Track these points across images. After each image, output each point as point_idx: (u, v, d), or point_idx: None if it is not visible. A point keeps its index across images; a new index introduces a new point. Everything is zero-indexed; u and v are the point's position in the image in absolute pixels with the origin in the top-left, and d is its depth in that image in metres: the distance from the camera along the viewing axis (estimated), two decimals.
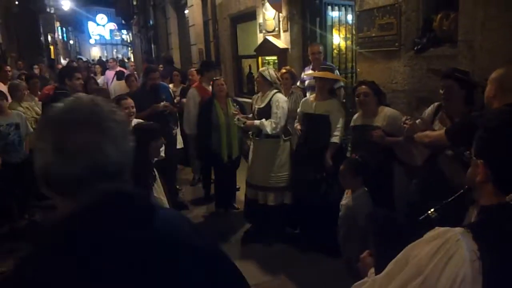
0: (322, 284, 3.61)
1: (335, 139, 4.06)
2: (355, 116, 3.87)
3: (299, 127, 4.32)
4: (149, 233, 0.92)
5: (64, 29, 32.57)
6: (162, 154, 4.08)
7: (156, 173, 3.71)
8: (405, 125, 3.10)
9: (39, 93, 6.35)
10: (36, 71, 10.68)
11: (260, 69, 4.69)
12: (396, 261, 1.12)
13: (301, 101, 4.49)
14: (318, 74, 4.43)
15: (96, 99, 0.97)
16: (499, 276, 0.99)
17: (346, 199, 3.42)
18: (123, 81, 7.57)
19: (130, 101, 3.98)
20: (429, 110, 3.25)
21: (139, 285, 0.87)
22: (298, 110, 4.44)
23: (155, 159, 3.63)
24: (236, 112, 4.84)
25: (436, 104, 3.26)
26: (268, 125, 4.30)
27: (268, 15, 6.93)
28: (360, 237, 2.97)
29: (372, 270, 1.43)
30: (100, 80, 9.94)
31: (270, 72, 4.50)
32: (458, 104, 2.88)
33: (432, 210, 1.47)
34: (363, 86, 3.67)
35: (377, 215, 1.47)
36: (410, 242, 1.33)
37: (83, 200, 0.88)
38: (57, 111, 0.93)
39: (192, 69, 6.60)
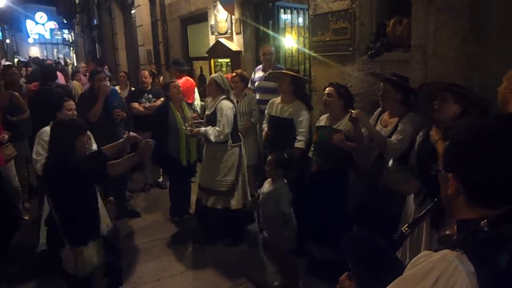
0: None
1: (298, 144, 4.05)
2: (322, 116, 3.90)
3: (266, 129, 4.32)
4: None
5: None
6: (94, 147, 4.05)
7: None
8: (353, 116, 3.28)
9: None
10: None
11: (213, 74, 4.58)
12: None
13: (268, 103, 4.46)
14: (274, 73, 4.43)
15: None
16: None
17: (267, 188, 3.61)
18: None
19: (72, 103, 4.12)
20: (375, 114, 3.53)
21: None
22: (266, 111, 4.44)
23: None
24: (195, 115, 4.76)
25: (379, 109, 3.46)
26: (211, 134, 4.24)
27: (220, 17, 6.85)
28: (279, 220, 3.42)
29: None
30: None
31: (223, 78, 4.44)
32: (394, 106, 3.28)
33: (405, 226, 1.46)
34: (329, 88, 3.74)
35: (355, 237, 1.43)
36: (390, 263, 1.31)
37: None
38: None
39: (145, 71, 6.36)
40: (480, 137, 1.14)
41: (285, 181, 3.56)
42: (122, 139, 3.86)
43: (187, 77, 6.61)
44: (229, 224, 4.47)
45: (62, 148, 2.83)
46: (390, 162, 3.18)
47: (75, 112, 4.06)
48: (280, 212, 3.41)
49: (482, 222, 1.05)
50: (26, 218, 5.20)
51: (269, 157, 3.61)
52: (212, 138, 4.23)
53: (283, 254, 3.53)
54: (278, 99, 4.36)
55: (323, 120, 3.85)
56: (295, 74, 4.34)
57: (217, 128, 4.23)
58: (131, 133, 3.63)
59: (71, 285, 2.99)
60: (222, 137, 4.24)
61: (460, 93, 2.68)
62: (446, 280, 0.99)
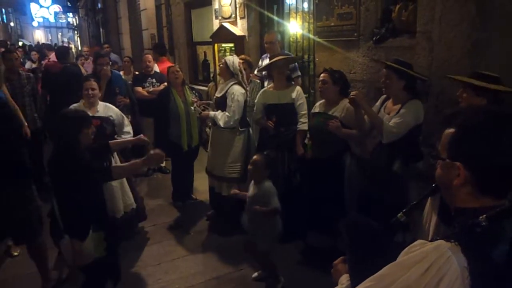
0: (285, 274, 3.59)
1: (303, 126, 4.03)
2: (318, 103, 3.88)
3: (264, 120, 4.22)
4: None
5: (3, 10, 30.61)
6: (129, 129, 4.19)
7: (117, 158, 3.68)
8: (352, 96, 3.23)
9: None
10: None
11: (227, 56, 4.55)
12: (380, 278, 1.07)
13: (260, 92, 4.39)
14: (272, 61, 4.38)
15: None
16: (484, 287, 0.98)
17: (253, 191, 3.40)
18: None
19: (91, 83, 4.04)
20: (379, 100, 3.46)
21: None
22: (257, 102, 4.35)
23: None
24: (196, 100, 4.73)
25: (384, 96, 3.39)
26: (221, 119, 4.22)
27: (224, 1, 6.77)
28: (265, 220, 3.30)
29: (344, 276, 1.39)
30: None
31: (234, 62, 4.36)
32: (397, 93, 3.17)
33: (401, 213, 1.45)
34: (323, 74, 3.69)
35: (352, 221, 1.43)
36: (384, 249, 1.30)
37: None
38: None
39: (148, 55, 6.31)
40: (493, 123, 1.09)
41: (270, 181, 3.38)
42: (131, 138, 3.88)
43: (167, 61, 6.98)
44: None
45: (66, 141, 2.81)
46: (396, 165, 3.10)
47: (92, 92, 4.00)
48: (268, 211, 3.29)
49: (481, 217, 1.03)
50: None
51: (255, 158, 3.42)
52: (221, 123, 4.21)
53: (265, 255, 3.47)
54: (270, 88, 4.30)
55: (317, 107, 3.82)
56: (286, 56, 4.37)
57: (226, 113, 4.20)
58: (142, 136, 3.63)
59: (83, 271, 2.98)
60: (231, 123, 4.21)
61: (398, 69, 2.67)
62: (436, 269, 0.98)
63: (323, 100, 3.80)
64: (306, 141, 4.01)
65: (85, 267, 2.86)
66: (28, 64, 10.12)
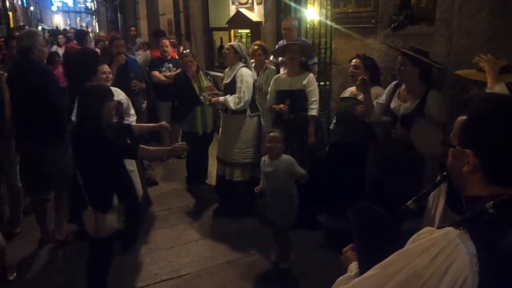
0: (302, 258, 3.63)
1: (313, 112, 4.04)
2: (348, 89, 3.90)
3: (275, 106, 4.22)
4: None
5: None
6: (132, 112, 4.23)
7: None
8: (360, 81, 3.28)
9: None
10: None
11: (230, 42, 4.57)
12: (387, 265, 1.06)
13: (273, 79, 4.39)
14: (284, 44, 4.39)
15: None
16: (493, 275, 0.97)
17: (269, 166, 3.44)
18: None
19: (107, 67, 4.10)
20: (389, 87, 3.40)
21: None
22: (270, 88, 4.35)
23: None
24: (210, 85, 4.75)
25: (394, 82, 3.34)
26: (231, 101, 4.24)
27: None
28: (287, 194, 3.39)
29: (353, 264, 1.40)
30: None
31: (240, 45, 4.44)
32: (411, 80, 3.14)
33: (410, 201, 1.43)
34: (355, 59, 3.73)
35: (360, 208, 1.42)
36: (392, 237, 1.30)
37: None
38: None
39: (165, 40, 6.32)
40: (504, 112, 1.08)
41: (287, 156, 3.44)
42: (154, 124, 3.99)
43: None
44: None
45: (90, 114, 2.85)
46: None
47: (109, 75, 4.06)
48: (290, 186, 3.41)
49: (488, 204, 1.02)
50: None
51: (273, 134, 3.45)
52: (232, 105, 4.22)
53: (283, 231, 3.53)
54: (283, 74, 4.31)
55: (348, 92, 3.85)
56: (301, 42, 4.37)
57: (236, 95, 4.23)
58: (164, 123, 3.74)
59: (92, 245, 3.03)
60: (242, 104, 4.24)
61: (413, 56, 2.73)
62: (445, 257, 0.97)
63: (353, 87, 3.81)
64: (331, 126, 4.03)
65: (97, 241, 2.91)
66: (54, 48, 10.25)
